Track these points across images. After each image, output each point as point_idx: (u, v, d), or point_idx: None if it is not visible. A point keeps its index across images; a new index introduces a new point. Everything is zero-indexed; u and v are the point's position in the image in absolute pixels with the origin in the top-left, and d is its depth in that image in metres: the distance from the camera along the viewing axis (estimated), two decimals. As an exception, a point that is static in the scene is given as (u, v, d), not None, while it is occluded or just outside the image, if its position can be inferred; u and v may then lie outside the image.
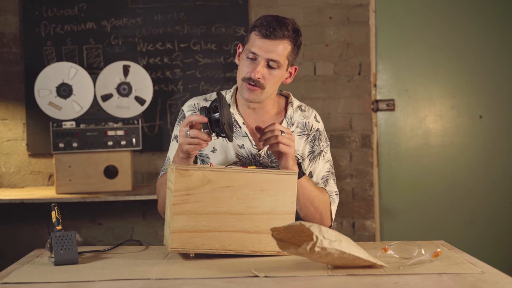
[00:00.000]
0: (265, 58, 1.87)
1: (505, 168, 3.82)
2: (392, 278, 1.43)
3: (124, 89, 3.25)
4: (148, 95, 3.28)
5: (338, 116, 3.72)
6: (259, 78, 1.87)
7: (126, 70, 3.26)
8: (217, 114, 1.70)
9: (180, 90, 3.64)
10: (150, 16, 3.64)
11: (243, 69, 1.90)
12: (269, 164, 1.97)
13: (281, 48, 1.87)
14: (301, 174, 1.87)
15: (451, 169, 3.81)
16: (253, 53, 1.87)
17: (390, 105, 3.78)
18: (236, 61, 1.98)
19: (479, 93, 3.81)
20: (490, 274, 1.46)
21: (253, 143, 1.97)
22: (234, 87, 2.05)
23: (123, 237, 3.66)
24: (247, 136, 1.97)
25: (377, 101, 3.76)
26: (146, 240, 3.65)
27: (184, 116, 2.03)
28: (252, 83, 1.88)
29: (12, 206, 3.54)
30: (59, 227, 1.65)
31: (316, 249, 1.43)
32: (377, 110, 3.77)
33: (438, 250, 1.59)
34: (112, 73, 3.25)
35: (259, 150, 1.98)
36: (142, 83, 3.27)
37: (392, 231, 3.79)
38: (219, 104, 1.70)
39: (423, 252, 1.59)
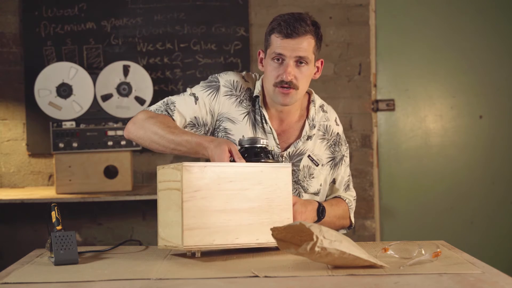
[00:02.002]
0: (293, 57, 1.81)
1: (505, 168, 3.82)
2: (392, 278, 1.43)
3: (124, 89, 3.25)
4: (148, 95, 3.28)
5: (338, 116, 3.70)
6: (291, 79, 1.82)
7: (126, 70, 3.26)
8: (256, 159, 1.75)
9: (180, 90, 3.64)
10: (150, 16, 3.65)
11: (272, 74, 1.84)
12: None
13: (306, 44, 1.82)
14: (322, 215, 1.88)
15: (451, 169, 3.81)
16: (279, 54, 1.82)
17: (390, 105, 3.78)
18: (260, 67, 1.94)
19: (479, 93, 3.81)
20: (490, 274, 1.46)
21: (277, 141, 1.94)
22: (262, 78, 1.97)
23: (123, 237, 3.66)
24: (272, 133, 1.93)
25: (377, 101, 3.76)
26: (146, 240, 3.64)
27: (218, 88, 1.93)
28: (286, 86, 1.83)
29: (12, 206, 3.54)
30: (59, 227, 1.65)
31: (316, 249, 1.43)
32: (377, 110, 3.77)
33: (438, 250, 1.59)
34: (112, 73, 3.25)
35: (282, 151, 1.95)
36: (142, 83, 3.27)
37: (392, 231, 3.79)
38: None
39: (423, 252, 1.59)
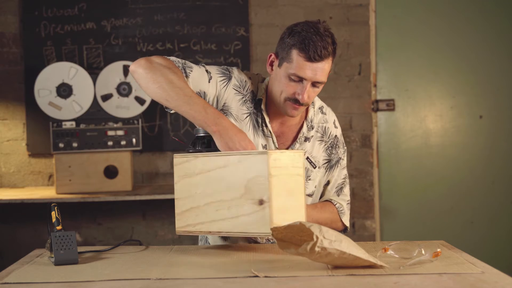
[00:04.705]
0: (313, 81, 1.82)
1: (504, 168, 3.82)
2: (392, 278, 1.43)
3: (124, 89, 3.25)
4: (148, 95, 3.27)
5: (338, 116, 3.66)
6: (306, 100, 1.84)
7: (126, 70, 3.26)
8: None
9: (180, 90, 3.64)
10: (150, 16, 3.65)
11: (287, 90, 1.83)
12: None
13: (327, 67, 1.82)
14: None
15: (451, 169, 3.81)
16: (300, 77, 1.81)
17: (390, 105, 3.78)
18: (269, 70, 1.92)
19: (479, 93, 3.81)
20: (490, 274, 1.46)
21: (276, 145, 1.94)
22: (266, 81, 1.97)
23: (123, 237, 3.66)
24: (271, 137, 1.93)
25: (377, 101, 3.76)
26: (146, 240, 3.65)
27: (230, 78, 1.93)
28: (298, 103, 1.84)
29: (12, 206, 3.54)
30: (59, 227, 1.65)
31: (316, 249, 1.43)
32: (377, 110, 3.77)
33: (438, 250, 1.59)
34: (112, 73, 3.25)
35: None
36: (142, 83, 3.27)
37: (392, 231, 3.79)
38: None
39: (423, 252, 1.59)
